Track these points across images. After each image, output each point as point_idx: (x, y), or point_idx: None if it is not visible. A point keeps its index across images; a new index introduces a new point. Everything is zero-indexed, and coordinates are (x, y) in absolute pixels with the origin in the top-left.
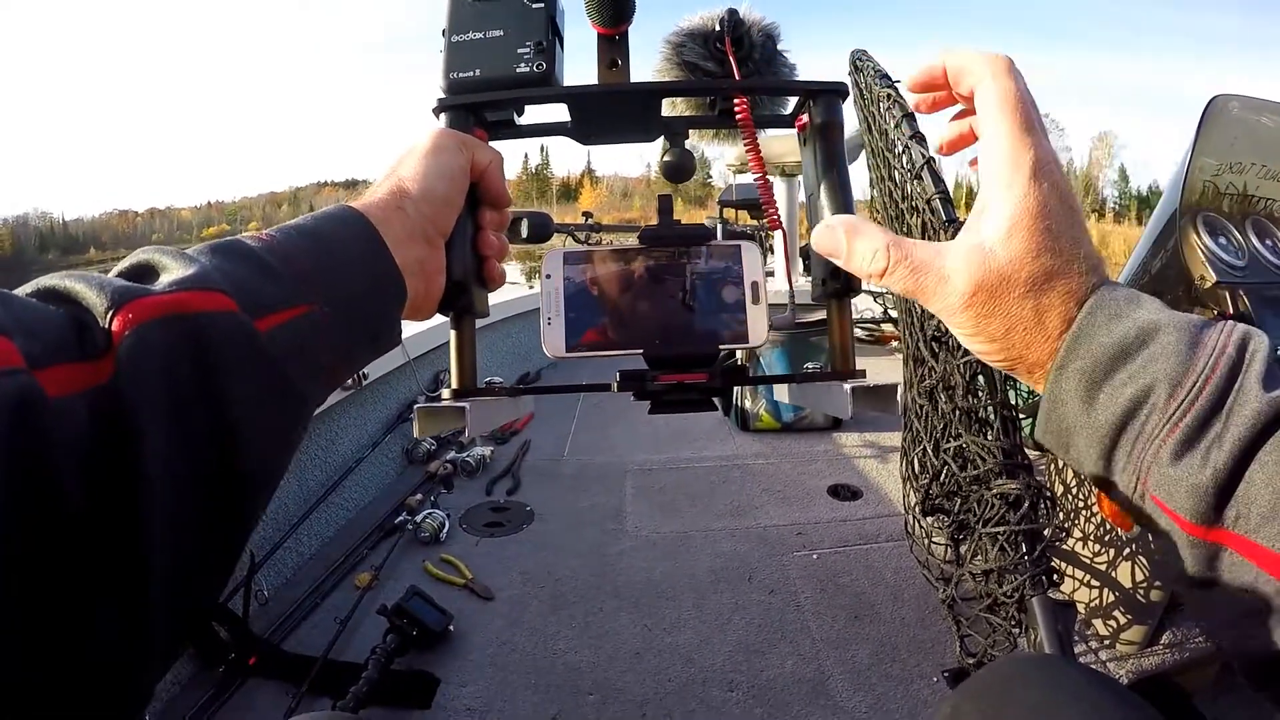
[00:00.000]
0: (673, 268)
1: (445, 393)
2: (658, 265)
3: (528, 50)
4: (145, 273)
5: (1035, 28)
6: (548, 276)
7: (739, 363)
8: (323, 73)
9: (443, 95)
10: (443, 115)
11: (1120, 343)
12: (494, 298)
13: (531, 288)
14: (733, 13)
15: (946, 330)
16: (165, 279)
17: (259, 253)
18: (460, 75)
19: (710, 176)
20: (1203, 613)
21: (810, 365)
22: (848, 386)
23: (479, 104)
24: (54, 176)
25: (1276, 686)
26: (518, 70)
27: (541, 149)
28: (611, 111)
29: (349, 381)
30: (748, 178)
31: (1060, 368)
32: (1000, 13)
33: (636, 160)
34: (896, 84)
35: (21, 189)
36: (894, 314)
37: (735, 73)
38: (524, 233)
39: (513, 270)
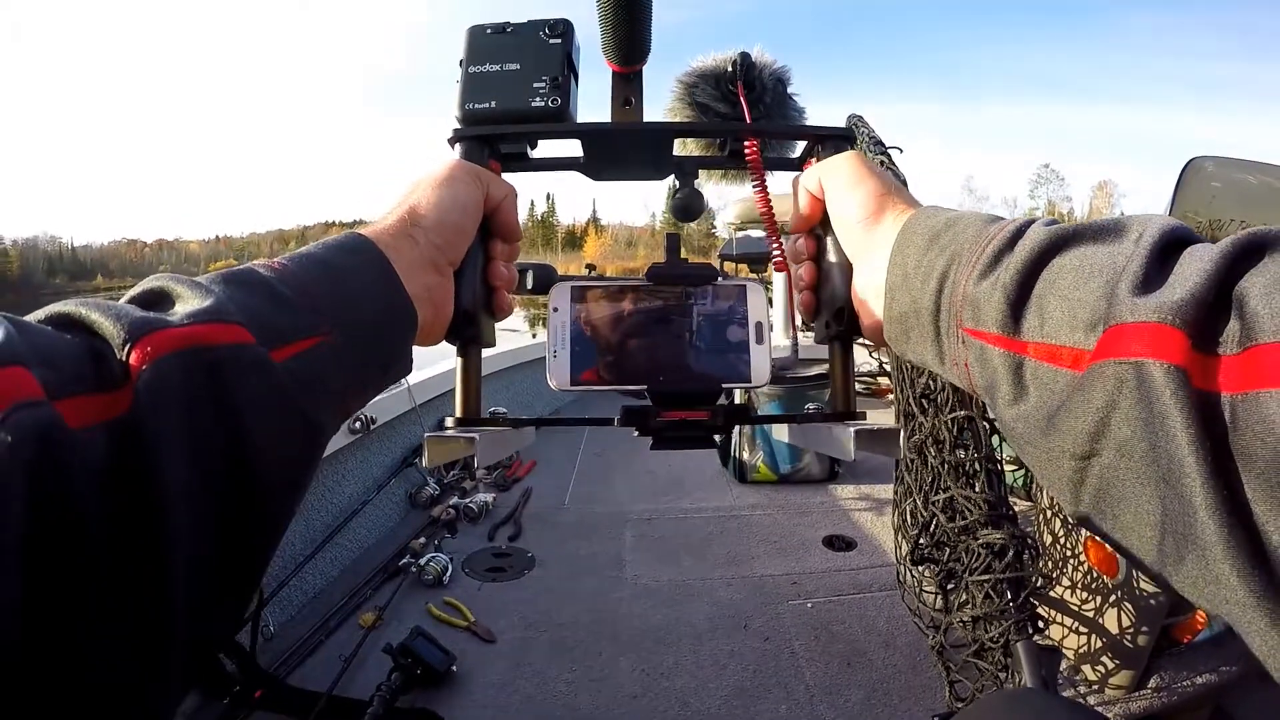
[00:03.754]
0: (678, 306)
1: (449, 420)
2: (663, 303)
3: (543, 85)
4: (159, 300)
5: (1038, 80)
6: (555, 310)
7: (741, 402)
8: (333, 115)
9: (458, 125)
10: (458, 146)
11: (931, 229)
12: (493, 349)
13: (534, 336)
14: (745, 55)
15: (934, 387)
16: (181, 309)
17: (272, 282)
18: (476, 106)
19: (715, 228)
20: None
21: (811, 406)
22: (851, 428)
23: (494, 136)
24: (65, 202)
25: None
26: (533, 104)
27: (548, 197)
28: (624, 149)
29: (356, 426)
30: (747, 234)
31: (890, 263)
32: (1004, 64)
33: (641, 209)
34: (889, 151)
35: (32, 212)
36: (889, 368)
37: (746, 115)
38: (529, 284)
39: (515, 319)
